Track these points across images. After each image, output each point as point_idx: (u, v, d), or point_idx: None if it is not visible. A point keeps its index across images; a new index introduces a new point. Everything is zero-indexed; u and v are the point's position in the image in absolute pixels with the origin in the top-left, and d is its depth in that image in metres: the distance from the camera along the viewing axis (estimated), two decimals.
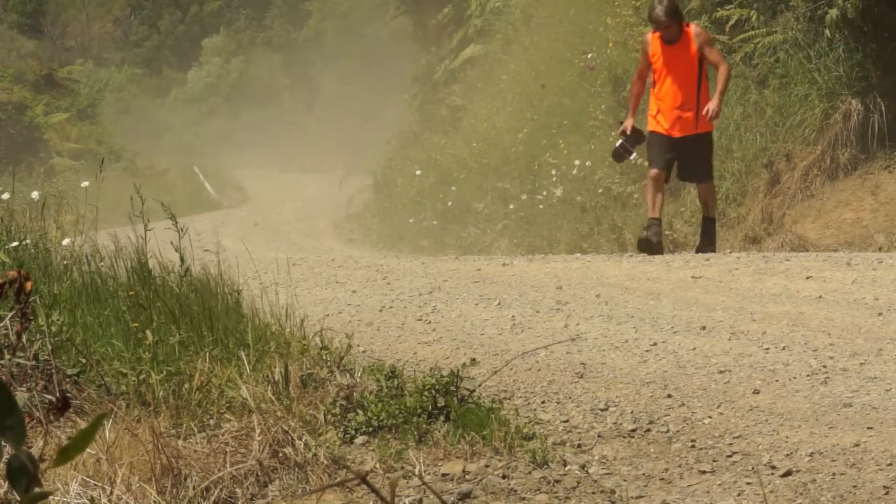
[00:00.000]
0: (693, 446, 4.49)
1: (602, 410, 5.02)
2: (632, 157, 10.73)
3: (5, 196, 8.97)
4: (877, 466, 4.12)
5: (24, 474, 1.54)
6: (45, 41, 49.56)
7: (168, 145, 46.52)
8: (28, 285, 3.36)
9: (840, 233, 11.07)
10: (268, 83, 53.79)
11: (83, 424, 3.65)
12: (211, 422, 4.45)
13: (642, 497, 4.02)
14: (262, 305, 5.56)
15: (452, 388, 4.60)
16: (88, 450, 3.79)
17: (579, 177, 14.80)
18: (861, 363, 5.44)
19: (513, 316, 7.21)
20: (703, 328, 6.40)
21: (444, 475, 4.17)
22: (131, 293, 5.63)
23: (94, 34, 57.10)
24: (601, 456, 4.45)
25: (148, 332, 4.72)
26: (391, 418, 4.53)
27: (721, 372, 5.48)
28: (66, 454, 1.55)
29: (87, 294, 5.83)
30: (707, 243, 10.26)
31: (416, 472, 4.16)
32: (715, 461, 4.31)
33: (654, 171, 10.18)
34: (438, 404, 4.57)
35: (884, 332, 5.99)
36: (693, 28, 10.23)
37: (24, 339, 4.09)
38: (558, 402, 5.22)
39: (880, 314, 6.37)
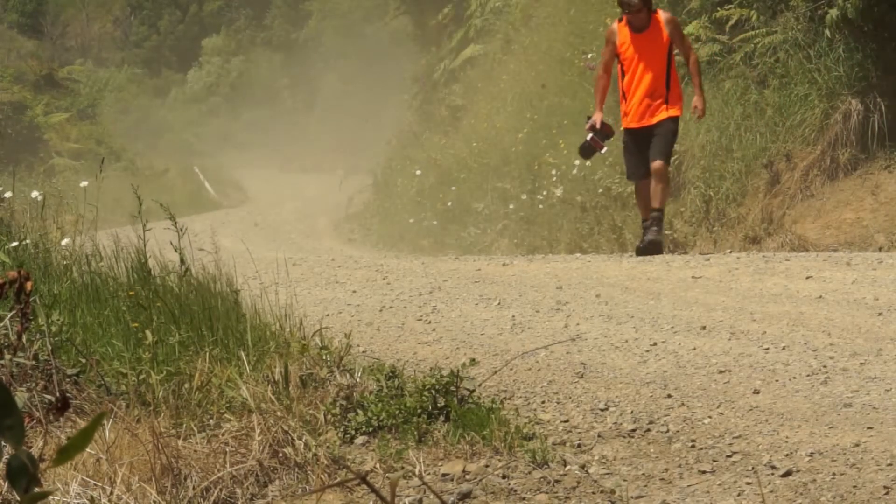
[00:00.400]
0: (693, 446, 4.49)
1: (602, 410, 5.02)
2: (602, 151, 10.47)
3: (7, 196, 8.98)
4: (877, 466, 4.11)
5: (23, 474, 1.54)
6: (45, 41, 49.55)
7: (168, 145, 46.53)
8: (28, 285, 3.36)
9: (840, 233, 11.07)
10: (268, 83, 53.79)
11: (83, 424, 3.65)
12: (211, 422, 4.45)
13: (642, 497, 4.02)
14: (262, 305, 5.56)
15: (452, 388, 4.60)
16: (88, 450, 3.79)
17: (579, 177, 14.79)
18: (861, 363, 5.44)
19: (513, 316, 7.21)
20: (703, 328, 6.40)
21: (444, 475, 4.17)
22: (131, 293, 5.63)
23: (94, 34, 57.10)
24: (601, 456, 4.45)
25: (148, 332, 4.72)
26: (391, 418, 4.53)
27: (721, 372, 5.48)
28: (65, 453, 1.55)
29: (87, 294, 5.83)
30: (654, 241, 9.86)
31: (416, 472, 4.16)
32: (715, 461, 4.31)
33: (637, 185, 10.10)
34: (438, 404, 4.57)
35: (884, 332, 5.99)
36: (662, 14, 10.06)
37: (24, 339, 4.09)
38: (558, 402, 5.22)
39: (880, 314, 6.37)
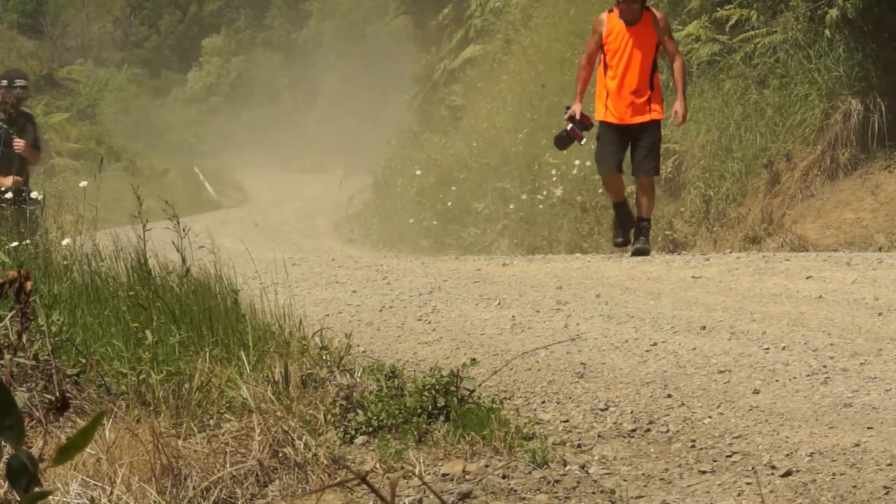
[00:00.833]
0: (693, 446, 4.49)
1: (602, 410, 5.02)
2: (581, 143, 10.23)
3: (8, 195, 8.99)
4: (877, 466, 4.11)
5: (23, 474, 1.54)
6: (45, 41, 49.54)
7: (168, 145, 46.51)
8: (28, 285, 3.36)
9: (840, 233, 11.06)
10: (268, 83, 53.81)
11: (83, 424, 3.65)
12: (211, 422, 4.45)
13: (642, 497, 4.02)
14: (262, 305, 5.56)
15: (452, 388, 4.60)
16: (88, 450, 3.79)
17: (579, 177, 14.78)
18: (861, 363, 5.44)
19: (513, 316, 7.21)
20: (703, 328, 6.40)
21: (444, 475, 4.17)
22: (131, 293, 5.63)
23: (94, 34, 57.10)
24: (601, 456, 4.45)
25: (148, 332, 4.72)
26: (391, 418, 4.53)
27: (721, 372, 5.48)
28: (65, 453, 1.55)
29: (87, 294, 5.83)
30: (644, 245, 9.75)
31: (416, 472, 4.16)
32: (715, 461, 4.31)
33: (607, 175, 9.86)
34: (438, 404, 4.57)
35: (884, 332, 5.99)
36: (655, 12, 9.86)
37: (24, 339, 4.09)
38: (558, 402, 5.22)
39: (880, 314, 6.37)
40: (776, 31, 12.39)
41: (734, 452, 4.36)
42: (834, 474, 4.07)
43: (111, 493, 3.78)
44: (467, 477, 4.15)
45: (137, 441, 4.01)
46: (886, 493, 3.89)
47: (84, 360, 4.73)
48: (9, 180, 9.41)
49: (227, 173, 40.24)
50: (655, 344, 6.14)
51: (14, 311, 3.54)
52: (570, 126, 9.91)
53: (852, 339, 5.91)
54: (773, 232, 11.53)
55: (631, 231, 9.85)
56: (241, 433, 4.27)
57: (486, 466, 4.21)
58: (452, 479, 4.13)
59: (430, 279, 9.11)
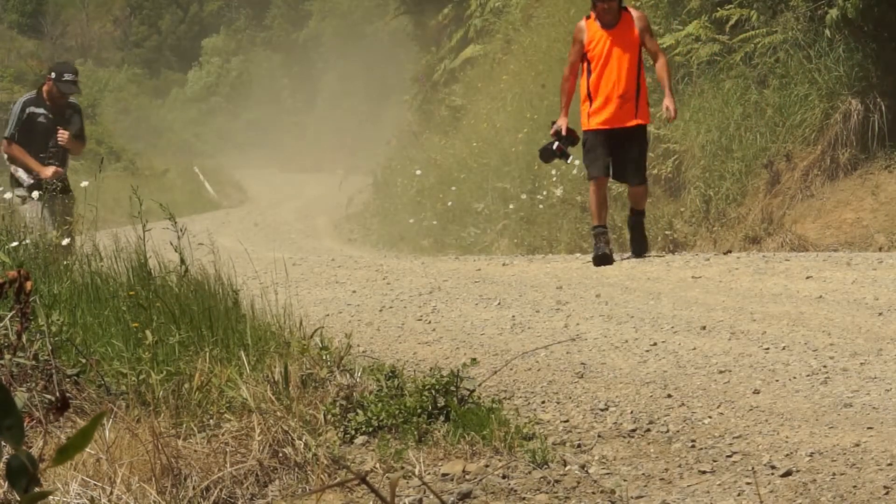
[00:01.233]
0: (693, 446, 4.49)
1: (602, 410, 5.03)
2: (568, 161, 9.94)
3: (7, 195, 9.00)
4: (877, 466, 4.11)
5: (23, 474, 1.54)
6: (45, 41, 49.57)
7: (168, 145, 46.55)
8: (28, 285, 3.36)
9: (840, 233, 11.06)
10: (268, 83, 53.84)
11: (83, 424, 3.65)
12: (211, 422, 4.45)
13: (642, 497, 4.02)
14: (262, 305, 5.56)
15: (452, 388, 4.60)
16: (88, 450, 3.79)
17: (579, 177, 14.78)
18: (861, 363, 5.44)
19: (513, 316, 7.22)
20: (703, 328, 6.40)
21: (444, 475, 4.17)
22: (131, 293, 5.64)
23: (94, 34, 57.13)
24: (601, 456, 4.45)
25: (148, 332, 4.72)
26: (391, 418, 4.53)
27: (721, 372, 5.48)
28: (65, 453, 1.55)
29: (87, 294, 5.83)
30: (640, 241, 9.67)
31: (416, 472, 4.16)
32: (715, 461, 4.31)
33: (595, 180, 9.51)
34: (438, 404, 4.57)
35: (884, 332, 5.99)
36: (633, 12, 9.60)
37: (24, 339, 4.09)
38: (558, 402, 5.22)
39: (880, 314, 6.37)
40: (776, 31, 12.39)
41: (734, 452, 4.36)
42: (834, 474, 4.07)
43: (111, 493, 3.78)
44: (467, 477, 4.15)
45: (137, 441, 4.01)
46: (886, 493, 3.89)
47: (84, 360, 4.73)
48: (49, 170, 9.47)
49: (226, 173, 40.26)
50: (655, 344, 6.14)
51: (14, 311, 3.54)
52: (555, 143, 9.58)
53: (852, 339, 5.91)
54: (773, 232, 11.53)
55: (609, 246, 9.46)
56: (241, 433, 4.27)
57: (486, 466, 4.21)
58: (452, 479, 4.13)
59: (430, 279, 9.11)
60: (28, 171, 9.54)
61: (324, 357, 4.98)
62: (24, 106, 9.69)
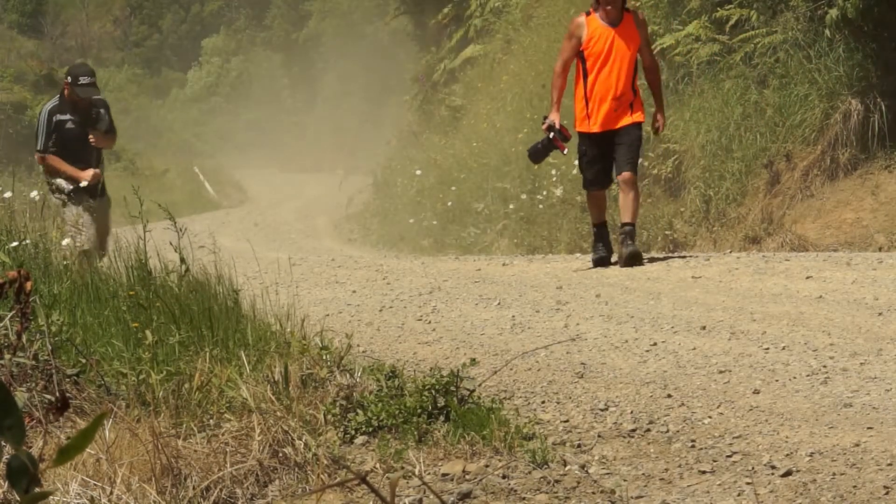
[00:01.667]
0: (693, 446, 4.49)
1: (602, 410, 5.03)
2: (564, 152, 9.66)
3: (7, 195, 8.98)
4: (877, 466, 4.11)
5: (24, 474, 1.54)
6: (45, 41, 49.58)
7: (168, 145, 46.56)
8: (28, 285, 3.36)
9: (840, 233, 11.06)
10: (268, 83, 53.85)
11: (83, 424, 3.65)
12: (211, 422, 4.45)
13: (642, 497, 4.01)
14: (262, 305, 5.56)
15: (452, 388, 4.60)
16: (88, 450, 3.79)
17: (579, 176, 14.79)
18: (861, 363, 5.44)
19: (513, 316, 7.22)
20: (703, 328, 6.40)
21: (444, 475, 4.17)
22: (131, 293, 5.64)
23: (94, 34, 57.12)
24: (601, 456, 4.45)
25: (148, 332, 4.72)
26: (391, 418, 4.53)
27: (721, 372, 5.48)
28: (65, 454, 1.55)
29: (87, 294, 5.83)
30: (631, 250, 8.99)
31: (416, 472, 4.16)
32: (715, 461, 4.31)
33: (593, 192, 9.32)
34: (438, 404, 4.57)
35: (884, 332, 5.99)
36: (638, 14, 9.39)
37: (24, 339, 4.09)
38: (558, 402, 5.22)
39: (880, 314, 6.37)
40: (776, 31, 12.38)
41: (734, 452, 4.36)
42: (834, 474, 4.07)
43: (111, 493, 3.78)
44: (467, 477, 4.15)
45: (137, 441, 4.01)
46: (886, 493, 3.89)
47: (84, 360, 4.73)
48: (89, 173, 9.34)
49: (226, 173, 40.27)
50: (655, 344, 6.14)
51: (14, 311, 3.54)
52: (551, 135, 9.30)
53: (852, 339, 5.91)
54: (773, 232, 11.53)
55: (609, 246, 9.31)
56: (241, 433, 4.27)
57: (486, 466, 4.21)
58: (452, 479, 4.13)
59: (430, 279, 9.11)
60: (68, 178, 9.34)
61: (324, 357, 4.98)
62: (49, 115, 9.43)
